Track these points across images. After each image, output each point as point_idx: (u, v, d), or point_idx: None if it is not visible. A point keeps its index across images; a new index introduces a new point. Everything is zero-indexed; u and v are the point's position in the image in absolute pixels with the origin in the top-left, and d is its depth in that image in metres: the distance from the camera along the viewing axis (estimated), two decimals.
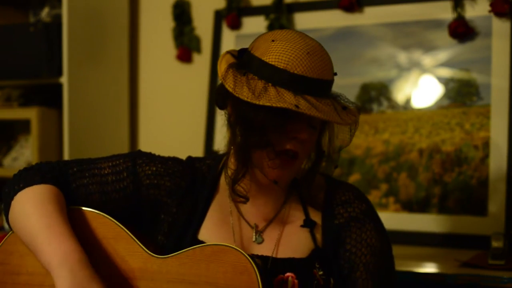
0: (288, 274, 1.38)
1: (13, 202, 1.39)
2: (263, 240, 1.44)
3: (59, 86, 2.44)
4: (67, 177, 1.45)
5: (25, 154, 2.59)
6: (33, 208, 1.36)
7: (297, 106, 1.27)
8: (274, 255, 1.41)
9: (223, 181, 1.49)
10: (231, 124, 1.39)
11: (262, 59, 1.33)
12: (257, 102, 1.28)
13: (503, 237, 1.89)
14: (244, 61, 1.37)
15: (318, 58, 1.33)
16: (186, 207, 1.47)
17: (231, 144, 1.41)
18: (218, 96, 1.41)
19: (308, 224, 1.45)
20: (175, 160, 1.53)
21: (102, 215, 1.42)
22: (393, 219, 2.23)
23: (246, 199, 1.42)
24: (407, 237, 2.22)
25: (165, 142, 2.65)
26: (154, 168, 1.48)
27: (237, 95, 1.31)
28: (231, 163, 1.45)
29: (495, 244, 1.88)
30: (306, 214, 1.46)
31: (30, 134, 2.52)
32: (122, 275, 1.38)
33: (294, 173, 1.41)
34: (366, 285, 1.40)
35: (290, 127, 1.34)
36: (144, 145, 2.73)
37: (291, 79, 1.30)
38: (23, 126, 2.62)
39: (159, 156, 1.53)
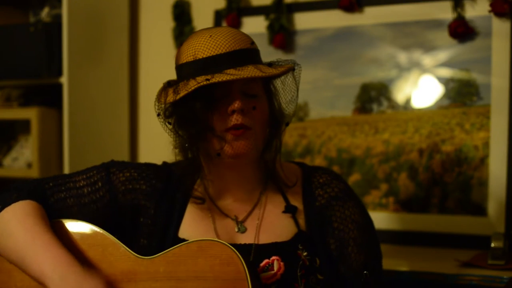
0: (273, 257, 1.42)
1: None
2: (246, 229, 1.48)
3: (59, 86, 2.44)
4: (44, 192, 1.47)
5: (25, 154, 2.59)
6: (15, 226, 1.37)
7: (207, 80, 1.34)
8: (256, 242, 1.45)
9: (199, 181, 1.52)
10: (176, 132, 1.45)
11: (179, 64, 1.42)
12: (176, 98, 1.36)
13: (503, 237, 1.89)
14: (177, 77, 1.45)
15: (221, 36, 1.38)
16: (164, 208, 1.50)
17: (182, 150, 1.46)
18: (158, 117, 1.45)
19: (290, 209, 1.48)
20: (148, 164, 1.57)
21: (86, 224, 1.44)
22: (393, 219, 2.23)
23: (202, 201, 1.49)
24: (407, 237, 2.22)
25: (165, 142, 2.64)
26: (128, 174, 1.51)
27: (165, 103, 1.39)
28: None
29: (495, 244, 1.88)
30: (286, 200, 1.50)
31: (30, 134, 2.52)
32: (111, 279, 1.38)
33: (253, 145, 1.41)
34: (359, 258, 1.45)
35: (224, 105, 1.39)
36: (144, 145, 2.73)
37: (203, 64, 1.37)
38: (23, 126, 2.62)
39: (132, 162, 1.58)
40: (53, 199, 1.47)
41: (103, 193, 1.49)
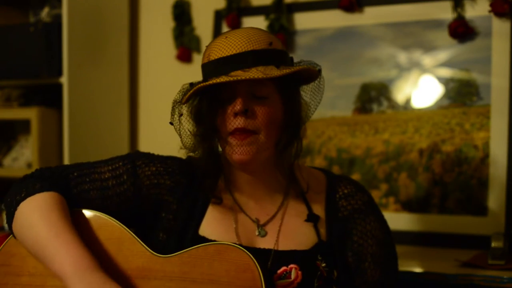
0: (291, 265, 1.40)
1: (16, 213, 1.39)
2: (266, 233, 1.46)
3: (59, 86, 2.44)
4: (68, 182, 1.46)
5: (25, 154, 2.59)
6: (38, 219, 1.36)
7: (205, 81, 1.34)
8: (276, 248, 1.43)
9: (222, 179, 1.50)
10: (194, 131, 1.45)
11: (201, 65, 1.43)
12: (183, 100, 1.39)
13: (503, 237, 1.89)
14: None
15: (236, 37, 1.38)
16: (186, 204, 1.48)
17: (200, 150, 1.46)
18: (172, 117, 1.46)
19: (312, 218, 1.47)
20: (174, 158, 1.54)
21: (105, 216, 1.43)
22: (393, 219, 2.22)
23: (220, 201, 1.48)
24: (407, 237, 2.22)
25: (165, 142, 2.64)
26: (153, 168, 1.50)
27: (175, 104, 1.42)
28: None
29: (495, 244, 1.88)
30: (309, 208, 1.48)
31: (30, 134, 2.52)
32: (126, 275, 1.38)
33: (260, 150, 1.40)
34: (374, 274, 1.45)
35: (230, 107, 1.39)
36: (144, 145, 2.73)
37: (214, 65, 1.37)
38: (23, 126, 2.62)
39: (158, 155, 1.55)
40: (76, 190, 1.45)
41: (127, 186, 1.47)
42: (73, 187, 1.45)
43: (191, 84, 1.43)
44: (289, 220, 1.47)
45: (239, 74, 1.33)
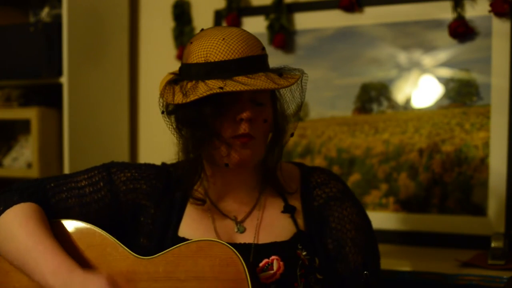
0: (273, 257, 1.42)
1: None
2: (245, 229, 1.48)
3: (59, 86, 2.44)
4: (45, 192, 1.47)
5: (25, 154, 2.59)
6: (16, 230, 1.37)
7: (221, 88, 1.32)
8: (256, 241, 1.45)
9: (199, 182, 1.51)
10: (179, 131, 1.44)
11: (187, 63, 1.40)
12: (187, 100, 1.34)
13: (503, 237, 1.89)
14: (181, 73, 1.43)
15: (235, 40, 1.37)
16: (163, 207, 1.50)
17: (184, 151, 1.45)
18: (163, 114, 1.44)
19: (288, 209, 1.49)
20: (148, 164, 1.57)
21: (85, 224, 1.44)
22: (393, 219, 2.23)
23: (203, 203, 1.48)
24: (407, 237, 2.22)
25: (165, 142, 2.64)
26: (128, 174, 1.52)
27: (173, 102, 1.37)
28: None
29: (495, 244, 1.88)
30: (285, 200, 1.51)
31: (30, 134, 2.52)
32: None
33: (257, 154, 1.42)
34: (356, 258, 1.45)
35: (233, 112, 1.38)
36: (144, 145, 2.73)
37: (214, 68, 1.35)
38: (23, 126, 2.62)
39: (132, 163, 1.59)
40: (54, 199, 1.47)
41: (104, 192, 1.49)
42: (51, 197, 1.47)
43: (175, 80, 1.41)
44: (267, 214, 1.49)
45: (245, 80, 1.33)
